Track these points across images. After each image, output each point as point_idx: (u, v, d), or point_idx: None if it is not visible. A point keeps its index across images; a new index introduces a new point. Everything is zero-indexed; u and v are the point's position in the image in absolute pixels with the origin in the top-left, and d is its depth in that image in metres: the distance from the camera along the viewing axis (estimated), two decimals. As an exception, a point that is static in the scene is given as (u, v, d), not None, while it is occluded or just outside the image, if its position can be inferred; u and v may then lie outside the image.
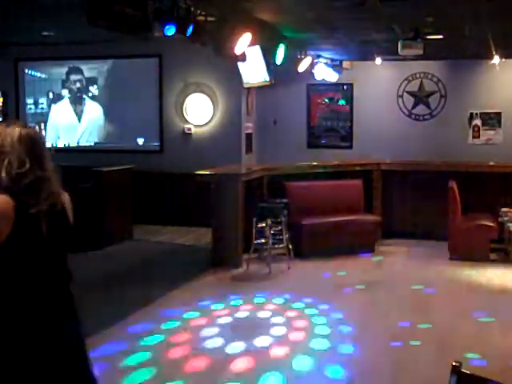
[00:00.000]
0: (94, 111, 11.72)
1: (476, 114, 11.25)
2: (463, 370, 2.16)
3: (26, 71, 11.92)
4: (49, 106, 11.90)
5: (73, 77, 11.78)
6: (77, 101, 11.78)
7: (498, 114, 11.17)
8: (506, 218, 8.63)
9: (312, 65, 9.71)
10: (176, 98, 11.23)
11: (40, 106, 11.95)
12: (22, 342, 2.36)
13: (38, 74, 11.93)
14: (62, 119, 11.87)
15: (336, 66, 11.03)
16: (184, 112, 11.19)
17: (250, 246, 8.08)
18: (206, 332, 5.84)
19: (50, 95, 11.88)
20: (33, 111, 11.99)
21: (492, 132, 11.22)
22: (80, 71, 11.72)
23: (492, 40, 8.61)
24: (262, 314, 6.36)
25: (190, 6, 5.80)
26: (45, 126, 11.90)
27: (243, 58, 7.31)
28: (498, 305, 6.67)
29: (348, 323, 6.05)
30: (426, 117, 11.48)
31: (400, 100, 11.54)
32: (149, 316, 6.22)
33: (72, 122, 11.84)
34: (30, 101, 11.96)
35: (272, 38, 7.96)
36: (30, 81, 11.96)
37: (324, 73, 10.33)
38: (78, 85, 11.74)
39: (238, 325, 6.10)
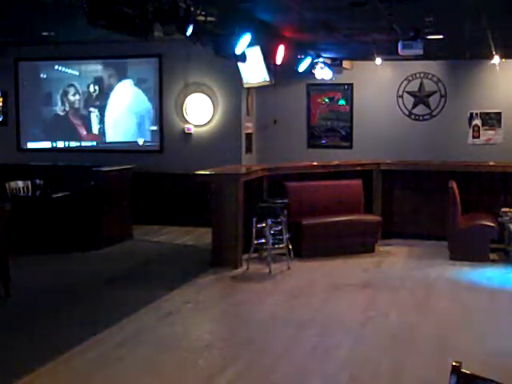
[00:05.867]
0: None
1: (476, 113, 11.24)
2: (463, 370, 2.16)
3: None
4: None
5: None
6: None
7: (498, 114, 11.17)
8: (506, 218, 8.63)
9: (312, 65, 9.71)
10: (176, 98, 11.23)
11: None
12: None
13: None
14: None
15: (336, 65, 11.03)
16: (184, 112, 11.19)
17: (250, 246, 8.08)
18: (205, 332, 5.84)
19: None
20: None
21: (492, 132, 11.21)
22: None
23: (492, 40, 8.61)
24: (262, 314, 6.36)
25: (190, 5, 5.80)
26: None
27: (243, 58, 7.31)
28: (497, 305, 6.67)
29: (348, 323, 6.05)
30: (425, 117, 11.48)
31: (400, 100, 11.54)
32: (149, 316, 6.22)
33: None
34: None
35: (272, 38, 7.96)
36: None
37: (324, 73, 10.33)
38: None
39: (238, 324, 6.11)
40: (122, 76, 11.53)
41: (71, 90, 11.77)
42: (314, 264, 8.39)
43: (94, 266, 8.35)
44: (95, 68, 11.67)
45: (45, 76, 11.92)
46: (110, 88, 11.59)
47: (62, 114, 11.85)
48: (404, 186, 10.05)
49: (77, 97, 11.75)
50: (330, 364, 5.02)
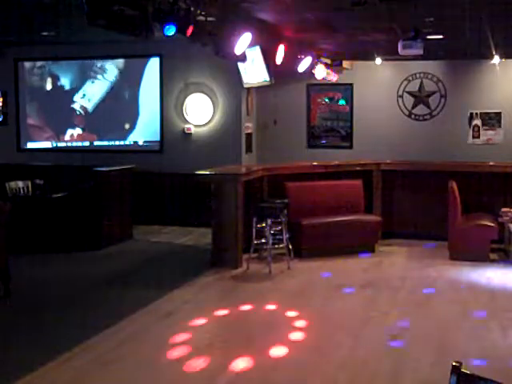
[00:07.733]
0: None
1: (476, 113, 11.24)
2: (463, 370, 2.16)
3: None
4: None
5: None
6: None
7: (498, 114, 11.17)
8: (506, 218, 8.63)
9: (312, 65, 9.71)
10: (176, 98, 11.23)
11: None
12: None
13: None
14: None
15: (336, 66, 11.03)
16: (184, 112, 11.19)
17: (250, 246, 8.08)
18: (205, 332, 5.84)
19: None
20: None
21: (492, 132, 11.21)
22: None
23: (492, 40, 8.61)
24: (262, 314, 6.36)
25: (190, 5, 5.80)
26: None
27: (243, 58, 7.31)
28: (497, 305, 6.67)
29: (348, 323, 6.05)
30: (426, 117, 11.48)
31: (400, 100, 11.54)
32: (149, 316, 6.22)
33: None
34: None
35: (272, 38, 7.96)
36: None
37: (324, 73, 10.33)
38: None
39: (238, 325, 6.10)
40: (121, 76, 11.52)
41: (72, 90, 11.78)
42: (313, 264, 8.39)
43: (94, 265, 8.35)
44: (94, 68, 11.66)
45: (45, 76, 11.93)
46: (109, 88, 11.58)
47: (63, 113, 11.86)
48: (404, 186, 10.05)
49: (77, 97, 11.75)
50: (330, 364, 5.02)
